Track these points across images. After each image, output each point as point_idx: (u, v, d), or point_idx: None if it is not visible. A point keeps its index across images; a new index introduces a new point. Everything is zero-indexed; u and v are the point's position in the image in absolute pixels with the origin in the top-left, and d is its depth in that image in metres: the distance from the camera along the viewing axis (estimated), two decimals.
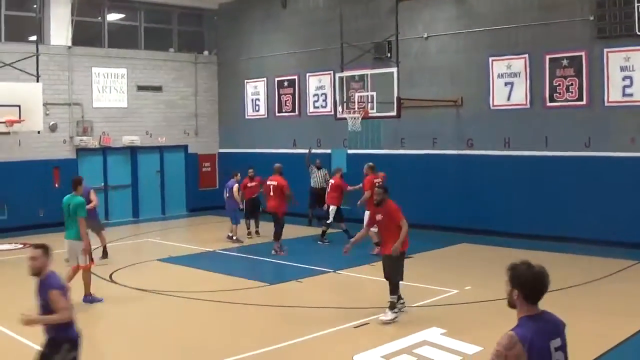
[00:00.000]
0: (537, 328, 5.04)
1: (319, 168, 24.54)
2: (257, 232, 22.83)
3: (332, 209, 21.37)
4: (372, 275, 16.32)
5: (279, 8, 27.40)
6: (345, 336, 11.77)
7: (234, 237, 21.80)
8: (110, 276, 17.02)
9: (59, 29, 25.83)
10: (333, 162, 24.91)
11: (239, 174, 22.35)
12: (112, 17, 28.39)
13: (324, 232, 21.34)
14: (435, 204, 22.47)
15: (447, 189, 22.30)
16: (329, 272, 17.08)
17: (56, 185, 25.31)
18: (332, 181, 21.87)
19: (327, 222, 21.47)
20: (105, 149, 27.12)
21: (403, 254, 12.98)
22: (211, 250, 20.71)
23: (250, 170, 22.82)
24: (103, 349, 11.62)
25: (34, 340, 11.60)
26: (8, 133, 21.84)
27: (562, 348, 5.15)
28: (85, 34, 27.05)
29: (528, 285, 5.09)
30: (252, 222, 22.89)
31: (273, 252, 19.38)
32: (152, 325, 13.19)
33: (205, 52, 30.37)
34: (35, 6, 24.53)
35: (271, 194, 19.78)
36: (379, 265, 17.13)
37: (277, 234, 19.57)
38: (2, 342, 11.89)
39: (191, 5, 29.74)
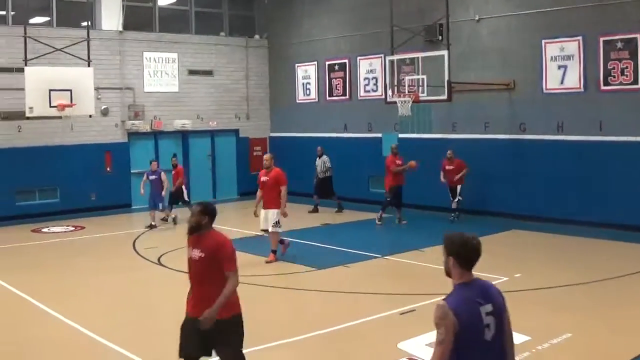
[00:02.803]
0: (467, 294, 5.31)
1: (319, 156, 24.68)
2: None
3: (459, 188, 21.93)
4: (420, 261, 16.22)
5: None
6: (391, 323, 11.68)
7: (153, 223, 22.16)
8: (159, 259, 17.10)
9: (110, 14, 26.01)
10: (384, 146, 24.73)
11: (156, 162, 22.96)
12: (163, 1, 28.52)
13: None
14: (486, 189, 22.21)
15: (498, 174, 22.01)
16: (377, 257, 16.99)
17: (108, 169, 25.57)
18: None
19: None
20: (157, 133, 27.28)
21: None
22: (260, 234, 20.68)
23: (174, 159, 23.69)
24: (148, 331, 11.65)
25: (84, 324, 11.72)
26: (60, 117, 22.12)
27: (494, 313, 5.32)
28: (136, 19, 27.22)
29: (461, 251, 5.41)
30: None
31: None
32: None
33: (256, 36, 30.33)
34: None
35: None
36: (428, 250, 17.15)
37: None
38: (51, 323, 11.98)
39: None
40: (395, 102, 21.23)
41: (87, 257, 18.27)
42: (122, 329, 11.73)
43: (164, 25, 27.98)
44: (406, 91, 21.33)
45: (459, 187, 21.67)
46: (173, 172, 23.42)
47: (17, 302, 13.62)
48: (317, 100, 28.25)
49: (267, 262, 16.41)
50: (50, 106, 21.52)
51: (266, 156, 17.37)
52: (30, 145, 23.87)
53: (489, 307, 5.30)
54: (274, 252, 16.74)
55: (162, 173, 22.49)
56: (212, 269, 7.72)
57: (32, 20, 24.96)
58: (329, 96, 27.66)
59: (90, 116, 23.01)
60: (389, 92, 21.68)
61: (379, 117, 25.11)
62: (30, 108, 21.47)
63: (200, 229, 7.85)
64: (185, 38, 28.22)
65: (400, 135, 24.50)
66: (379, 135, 25.34)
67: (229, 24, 29.97)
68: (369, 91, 26.05)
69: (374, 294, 13.60)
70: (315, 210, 24.50)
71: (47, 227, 22.35)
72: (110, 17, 26.03)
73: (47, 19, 25.42)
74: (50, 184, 24.19)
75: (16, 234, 21.33)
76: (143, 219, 23.14)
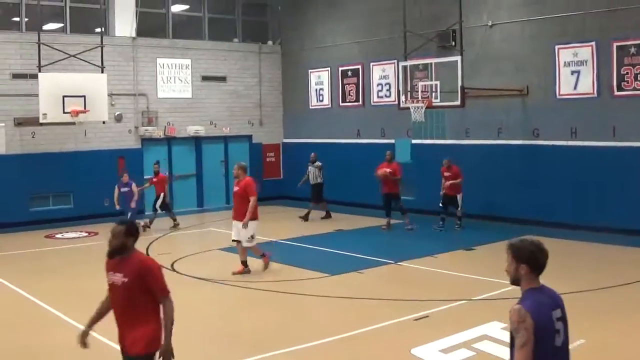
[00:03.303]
0: (540, 299, 5.25)
1: (312, 162, 24.71)
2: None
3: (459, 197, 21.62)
4: (433, 267, 16.20)
5: None
6: (405, 329, 11.65)
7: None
8: (172, 265, 17.10)
9: (124, 20, 26.09)
10: (397, 152, 24.71)
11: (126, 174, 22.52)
12: (176, 7, 28.60)
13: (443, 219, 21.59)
14: (500, 194, 22.13)
15: (512, 179, 21.93)
16: (390, 263, 16.95)
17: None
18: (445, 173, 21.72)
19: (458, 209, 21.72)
20: (170, 139, 27.32)
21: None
22: (273, 240, 20.69)
23: (155, 166, 23.51)
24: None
25: (96, 330, 11.73)
26: (74, 123, 22.23)
27: (562, 319, 5.30)
28: (150, 25, 27.33)
29: (534, 257, 5.31)
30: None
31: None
32: (210, 314, 13.25)
33: (269, 42, 30.37)
34: None
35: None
36: (441, 257, 17.17)
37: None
38: (64, 328, 12.00)
39: None
40: (408, 108, 21.23)
41: (100, 263, 18.18)
42: None
43: (177, 32, 28.06)
44: (419, 97, 21.35)
45: (458, 196, 21.50)
46: (155, 179, 23.30)
47: (31, 307, 13.66)
48: (330, 106, 28.25)
49: (233, 274, 15.81)
50: (64, 112, 21.67)
51: (235, 166, 16.35)
52: (44, 151, 23.93)
53: (558, 313, 5.30)
54: (244, 263, 15.99)
55: (133, 184, 22.16)
56: (137, 294, 6.97)
57: (46, 27, 25.03)
58: (342, 102, 27.65)
59: (103, 122, 23.16)
60: (402, 98, 21.66)
61: (392, 123, 25.07)
62: (44, 114, 21.61)
63: (124, 251, 7.10)
64: (199, 44, 28.28)
65: (414, 141, 24.48)
66: (392, 141, 25.29)
67: (242, 30, 30.01)
68: (382, 97, 26.03)
69: (387, 300, 13.58)
70: (306, 218, 24.31)
71: (61, 232, 22.40)
72: (124, 23, 26.11)
73: (61, 25, 25.50)
74: (63, 189, 24.25)
75: (30, 239, 21.39)
76: (156, 224, 23.15)
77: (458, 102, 20.24)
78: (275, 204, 27.97)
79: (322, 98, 28.54)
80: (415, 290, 14.35)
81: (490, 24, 22.39)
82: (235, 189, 15.98)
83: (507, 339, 10.44)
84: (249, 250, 16.16)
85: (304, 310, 13.39)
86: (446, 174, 21.44)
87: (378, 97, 26.19)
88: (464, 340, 10.67)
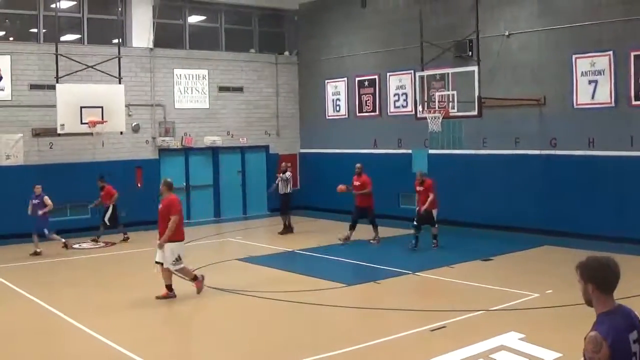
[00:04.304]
0: (615, 322, 4.94)
1: (284, 172, 24.34)
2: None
3: (435, 212, 20.35)
4: (450, 278, 16.15)
5: (359, 8, 27.25)
6: (422, 339, 11.62)
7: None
8: None
9: (141, 31, 26.21)
10: (414, 162, 24.70)
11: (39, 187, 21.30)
12: (193, 19, 28.70)
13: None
14: (517, 204, 22.05)
15: (529, 189, 21.86)
16: (408, 273, 16.90)
17: (139, 186, 25.70)
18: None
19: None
20: (187, 149, 27.39)
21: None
22: (290, 250, 20.70)
23: (99, 181, 23.03)
24: (180, 347, 11.67)
25: (113, 339, 11.77)
26: (91, 134, 22.30)
27: (639, 341, 4.99)
28: (167, 36, 27.45)
29: (600, 275, 5.02)
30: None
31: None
32: (228, 324, 13.26)
33: (286, 53, 30.43)
34: (117, 9, 24.88)
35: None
36: (458, 267, 17.12)
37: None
38: (81, 338, 12.04)
39: (271, 6, 29.82)
40: (425, 118, 21.21)
41: (117, 273, 18.36)
42: (151, 344, 11.75)
43: (194, 42, 28.16)
44: (436, 107, 21.32)
45: (434, 211, 20.27)
46: (102, 193, 22.86)
47: (49, 317, 13.68)
48: (347, 116, 28.25)
49: (157, 298, 14.64)
50: (82, 123, 21.75)
51: (162, 181, 15.38)
52: (61, 161, 24.02)
53: (635, 335, 5.00)
54: (169, 287, 14.76)
55: (45, 197, 20.89)
56: None
57: (64, 38, 25.17)
58: (359, 112, 27.64)
59: (121, 133, 23.24)
60: (419, 108, 21.66)
61: (409, 133, 25.04)
62: (62, 125, 21.70)
63: None
64: (216, 55, 28.36)
65: (431, 151, 24.45)
66: (409, 151, 25.28)
67: (258, 41, 30.08)
68: (398, 107, 26.01)
69: (404, 310, 13.53)
70: (286, 231, 24.01)
71: (78, 243, 22.45)
72: (141, 34, 26.23)
73: (78, 36, 25.66)
74: (81, 200, 24.31)
75: (47, 249, 21.45)
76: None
77: (475, 112, 20.22)
78: (292, 214, 27.96)
79: (339, 108, 28.55)
80: (432, 301, 14.33)
81: (507, 33, 22.33)
82: (160, 206, 14.94)
83: (527, 349, 10.48)
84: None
85: (321, 320, 13.38)
86: (419, 188, 20.43)
87: (395, 107, 26.16)
88: (482, 351, 10.61)
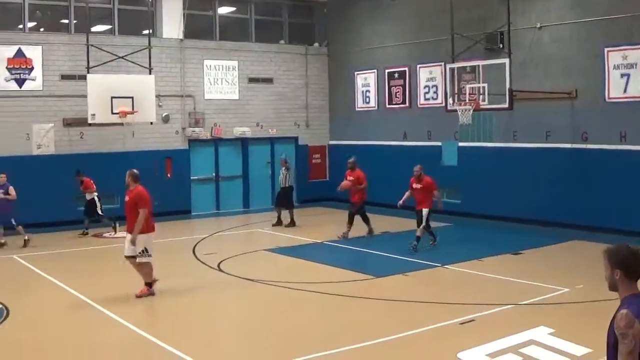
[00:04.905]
0: None
1: (283, 165, 24.16)
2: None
3: (426, 212, 18.79)
4: (479, 271, 16.07)
5: None
6: (450, 333, 11.56)
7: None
8: (219, 265, 17.18)
9: (171, 22, 26.31)
10: (444, 155, 24.62)
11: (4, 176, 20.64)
12: (223, 10, 28.76)
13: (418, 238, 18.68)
14: (547, 198, 21.89)
15: (559, 183, 21.68)
16: (437, 266, 16.85)
17: (168, 176, 25.82)
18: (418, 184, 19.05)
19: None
20: (217, 140, 27.45)
21: None
22: (319, 241, 20.70)
23: (77, 176, 22.43)
24: (207, 336, 11.70)
25: (144, 328, 11.83)
26: (122, 124, 22.43)
27: None
28: (197, 27, 27.54)
29: (628, 262, 5.18)
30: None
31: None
32: (255, 314, 13.31)
33: (316, 44, 30.39)
34: (148, 0, 24.96)
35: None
36: (488, 260, 17.04)
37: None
38: (113, 327, 12.11)
39: None
40: (455, 111, 21.10)
41: None
42: (182, 333, 11.79)
43: (224, 33, 28.22)
44: (467, 99, 21.20)
45: (424, 210, 18.75)
46: (82, 187, 22.44)
47: (80, 306, 13.78)
48: (376, 108, 28.19)
49: (137, 297, 14.08)
50: (112, 113, 21.91)
51: (127, 173, 14.69)
52: (92, 151, 24.18)
53: None
54: (148, 284, 14.23)
55: (10, 187, 20.29)
56: None
57: (94, 29, 25.31)
58: (389, 104, 27.58)
59: (151, 123, 23.41)
60: (450, 100, 21.56)
61: (439, 125, 24.94)
62: (93, 115, 21.89)
63: None
64: (245, 46, 28.41)
65: (460, 144, 24.32)
66: (439, 143, 25.18)
67: (288, 32, 30.08)
68: (428, 99, 25.90)
69: (432, 303, 13.46)
70: (279, 223, 23.73)
71: (109, 232, 22.57)
72: (171, 25, 26.32)
73: (109, 27, 25.77)
74: (111, 189, 24.43)
75: (77, 238, 21.62)
76: (203, 225, 23.30)
77: (506, 105, 20.10)
78: (320, 205, 28.00)
79: (369, 100, 28.50)
80: (461, 294, 14.25)
81: (538, 26, 22.14)
82: (126, 198, 14.47)
83: (556, 344, 10.40)
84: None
85: (348, 312, 13.36)
86: (415, 185, 19.12)
87: (425, 99, 26.06)
88: (511, 345, 10.54)
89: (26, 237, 20.44)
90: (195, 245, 20.18)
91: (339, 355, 10.46)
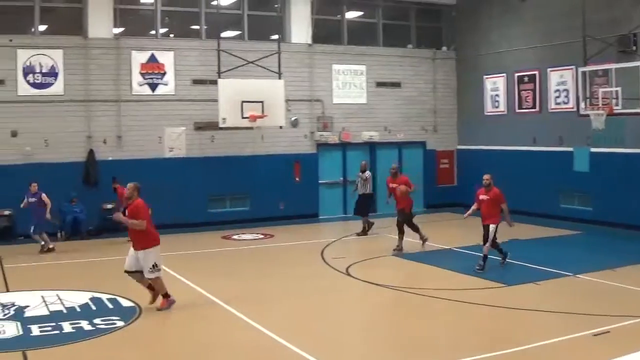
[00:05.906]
0: None
1: (363, 171, 23.59)
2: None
3: (493, 227, 17.19)
4: (612, 281, 15.64)
5: (517, 1, 26.77)
6: (583, 344, 11.28)
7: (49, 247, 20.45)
8: (347, 269, 17.25)
9: (300, 27, 26.63)
10: (575, 161, 24.07)
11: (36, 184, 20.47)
12: (351, 14, 28.87)
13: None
14: None
15: None
16: (569, 275, 16.48)
17: (297, 179, 26.05)
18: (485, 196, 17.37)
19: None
20: (345, 144, 27.56)
21: None
22: (447, 247, 20.53)
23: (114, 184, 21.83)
24: (334, 340, 11.75)
25: (270, 328, 11.98)
26: (252, 128, 22.80)
27: None
28: (325, 32, 27.73)
29: None
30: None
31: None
32: (381, 319, 13.38)
33: (444, 48, 30.18)
34: (276, 6, 25.34)
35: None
36: (621, 270, 16.56)
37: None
38: (239, 326, 12.29)
39: (429, 1, 29.65)
40: (588, 115, 20.63)
41: (276, 264, 18.73)
42: (307, 334, 11.96)
43: (352, 38, 28.34)
44: (599, 104, 20.69)
45: (492, 227, 17.13)
46: (117, 194, 21.73)
47: (208, 305, 14.12)
48: (505, 112, 27.79)
49: (158, 310, 13.70)
50: (242, 117, 22.26)
51: (129, 185, 14.07)
52: (222, 154, 24.70)
53: None
54: (166, 295, 13.83)
55: (43, 195, 20.26)
56: None
57: (225, 34, 25.76)
58: (518, 108, 27.16)
59: (280, 127, 23.69)
60: (582, 105, 21.09)
61: (571, 131, 24.37)
62: (224, 119, 22.32)
63: None
64: (373, 50, 28.44)
65: (593, 150, 23.70)
66: (570, 149, 24.60)
67: (416, 36, 29.96)
68: (559, 103, 25.37)
69: (565, 313, 13.19)
70: (364, 233, 23.19)
71: (237, 234, 22.96)
72: (300, 30, 26.63)
73: (239, 32, 26.21)
74: (241, 192, 24.88)
75: (208, 240, 22.07)
76: (331, 229, 23.45)
77: None
78: (448, 210, 27.77)
79: (498, 104, 28.14)
80: (594, 304, 13.90)
81: None
82: (127, 212, 14.15)
83: None
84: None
85: (478, 320, 13.21)
86: (483, 197, 17.41)
87: (555, 103, 25.54)
88: None
89: (44, 244, 20.33)
90: (324, 248, 20.31)
91: None
